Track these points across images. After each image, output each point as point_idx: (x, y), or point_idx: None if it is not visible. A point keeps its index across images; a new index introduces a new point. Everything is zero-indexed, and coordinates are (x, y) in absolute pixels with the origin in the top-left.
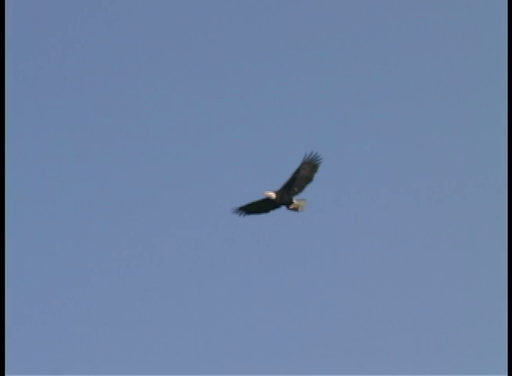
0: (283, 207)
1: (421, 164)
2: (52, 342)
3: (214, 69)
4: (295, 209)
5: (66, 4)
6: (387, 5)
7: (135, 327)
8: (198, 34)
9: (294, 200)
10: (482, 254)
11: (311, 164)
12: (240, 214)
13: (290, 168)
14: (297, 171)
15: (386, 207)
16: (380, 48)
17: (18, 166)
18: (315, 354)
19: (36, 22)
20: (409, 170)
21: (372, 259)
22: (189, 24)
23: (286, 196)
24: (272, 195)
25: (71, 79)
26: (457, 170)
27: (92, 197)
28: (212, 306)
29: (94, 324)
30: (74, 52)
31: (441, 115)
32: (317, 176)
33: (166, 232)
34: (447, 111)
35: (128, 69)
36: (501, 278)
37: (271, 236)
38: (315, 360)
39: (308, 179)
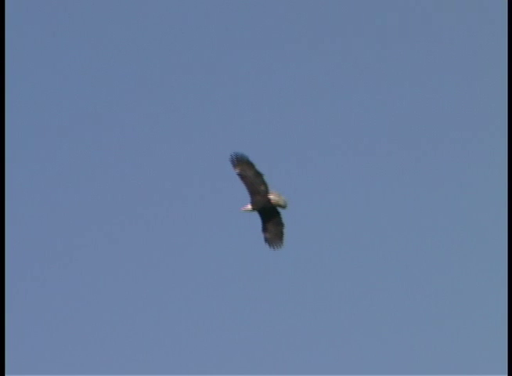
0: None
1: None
2: (52, 342)
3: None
4: (278, 204)
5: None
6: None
7: (134, 327)
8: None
9: (270, 196)
10: (482, 254)
11: (242, 164)
12: (277, 244)
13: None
14: (242, 177)
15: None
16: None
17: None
18: (313, 354)
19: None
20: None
21: (370, 258)
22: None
23: (260, 200)
24: (249, 207)
25: (70, 79)
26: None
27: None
28: (212, 307)
29: (94, 324)
30: (73, 51)
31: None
32: (263, 166)
33: (165, 236)
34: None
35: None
36: (501, 278)
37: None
38: (314, 360)
39: (258, 174)
